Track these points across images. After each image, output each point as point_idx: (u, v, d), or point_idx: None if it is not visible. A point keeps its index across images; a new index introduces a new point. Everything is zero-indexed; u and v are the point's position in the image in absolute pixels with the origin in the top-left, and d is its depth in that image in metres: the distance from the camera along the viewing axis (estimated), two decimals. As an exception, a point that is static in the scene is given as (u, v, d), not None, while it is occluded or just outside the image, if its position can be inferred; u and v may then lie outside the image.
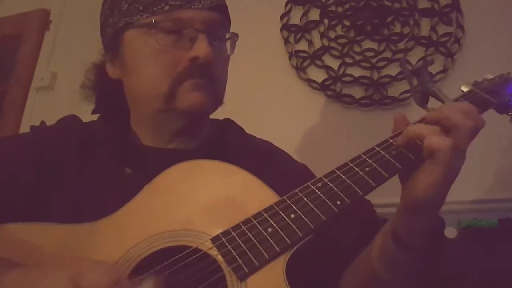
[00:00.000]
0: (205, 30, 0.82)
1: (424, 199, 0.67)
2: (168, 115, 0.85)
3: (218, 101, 0.89)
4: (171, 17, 0.81)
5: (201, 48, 0.80)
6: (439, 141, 0.65)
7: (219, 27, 0.86)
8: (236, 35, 0.89)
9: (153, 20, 0.81)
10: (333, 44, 1.67)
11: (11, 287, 0.55)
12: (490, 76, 0.92)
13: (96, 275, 0.52)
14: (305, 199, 0.68)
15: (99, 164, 0.83)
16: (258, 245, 0.63)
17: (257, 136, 1.01)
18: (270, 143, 1.01)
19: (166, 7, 0.81)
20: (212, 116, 0.93)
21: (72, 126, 0.89)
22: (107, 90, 0.91)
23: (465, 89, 0.87)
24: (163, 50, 0.82)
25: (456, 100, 0.83)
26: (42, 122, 0.91)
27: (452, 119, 0.68)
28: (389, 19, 1.62)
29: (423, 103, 0.85)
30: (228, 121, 0.99)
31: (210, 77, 0.83)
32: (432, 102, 0.84)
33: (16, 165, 0.79)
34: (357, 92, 1.61)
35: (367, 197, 0.72)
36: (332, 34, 1.69)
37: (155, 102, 0.84)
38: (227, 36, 0.88)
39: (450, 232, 1.27)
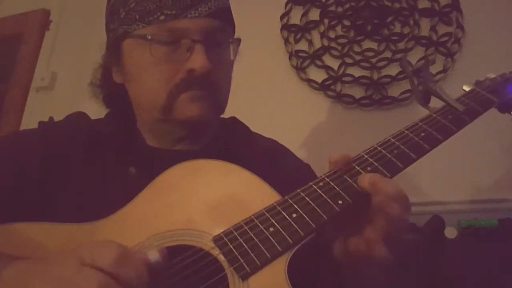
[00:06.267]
0: (202, 40, 0.80)
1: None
2: (168, 125, 0.85)
3: (219, 109, 0.88)
4: (167, 28, 0.80)
5: (198, 60, 0.79)
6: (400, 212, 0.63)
7: (219, 34, 0.84)
8: (239, 40, 0.88)
9: (148, 36, 0.79)
10: (333, 44, 1.68)
11: (14, 280, 0.55)
12: (492, 75, 0.92)
13: (103, 251, 0.52)
14: (307, 198, 0.68)
15: (104, 162, 0.83)
16: (260, 245, 0.63)
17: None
18: (276, 141, 1.01)
19: (162, 17, 0.80)
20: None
21: (80, 123, 0.90)
22: (113, 91, 0.91)
23: (467, 88, 0.87)
24: (158, 62, 0.80)
25: (458, 99, 0.83)
26: (51, 118, 0.91)
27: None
28: (389, 19, 1.63)
29: (424, 102, 0.85)
30: (233, 120, 0.99)
31: (209, 87, 0.81)
32: (434, 102, 0.85)
33: (24, 162, 0.80)
34: (357, 92, 1.61)
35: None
36: (332, 34, 1.69)
37: (154, 112, 0.83)
38: (230, 41, 0.86)
39: (450, 232, 1.28)
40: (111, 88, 0.91)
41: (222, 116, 0.93)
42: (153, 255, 0.56)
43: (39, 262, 0.55)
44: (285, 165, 0.92)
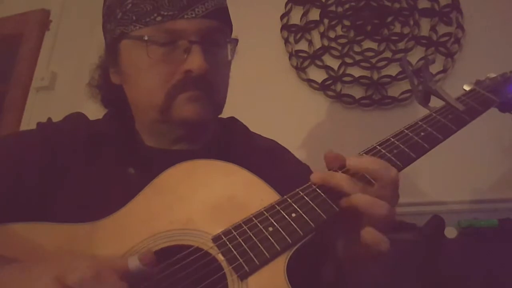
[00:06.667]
0: (199, 40, 0.79)
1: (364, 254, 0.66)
2: (167, 125, 0.84)
3: (217, 109, 0.87)
4: (164, 29, 0.79)
5: (195, 61, 0.78)
6: (361, 198, 0.64)
7: (216, 34, 0.83)
8: (236, 40, 0.87)
9: (145, 37, 0.79)
10: (333, 44, 1.68)
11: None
12: (492, 75, 0.92)
13: (80, 271, 0.52)
14: (306, 198, 0.68)
15: (103, 163, 0.83)
16: (259, 244, 0.63)
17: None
18: (275, 141, 1.01)
19: (159, 18, 0.79)
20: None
21: (78, 123, 0.89)
22: (111, 92, 0.91)
23: (467, 88, 0.87)
24: (156, 63, 0.80)
25: (458, 99, 0.83)
26: (49, 119, 0.91)
27: (375, 170, 0.66)
28: (389, 19, 1.63)
29: (424, 102, 0.85)
30: (232, 120, 0.99)
31: (206, 87, 0.81)
32: (434, 101, 0.84)
33: (22, 164, 0.79)
34: (357, 92, 1.61)
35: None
36: (332, 34, 1.69)
37: (152, 113, 0.83)
38: (227, 41, 0.86)
39: (450, 232, 1.28)
40: (109, 89, 0.90)
41: (221, 116, 0.93)
42: (132, 263, 0.56)
43: (24, 270, 0.56)
44: (284, 165, 0.92)
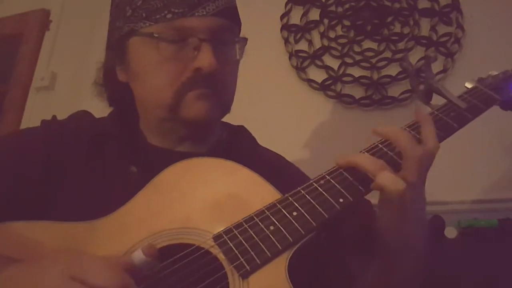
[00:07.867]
0: (209, 39, 0.79)
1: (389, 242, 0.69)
2: (173, 124, 0.84)
3: (225, 108, 0.87)
4: (174, 26, 0.79)
5: (205, 58, 0.78)
6: (387, 178, 0.66)
7: (226, 33, 0.83)
8: (245, 39, 0.87)
9: (155, 34, 0.79)
10: (333, 44, 1.67)
11: (8, 284, 0.55)
12: (494, 73, 0.92)
13: (98, 270, 0.53)
14: (307, 196, 0.68)
15: (106, 161, 0.82)
16: (260, 243, 0.63)
17: (257, 136, 1.00)
18: (282, 156, 1.00)
19: (169, 15, 0.79)
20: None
21: (83, 122, 0.89)
22: (117, 90, 0.90)
23: (469, 85, 0.86)
24: (165, 61, 0.80)
25: (460, 96, 0.83)
26: (54, 117, 0.91)
27: (402, 143, 0.71)
28: (389, 19, 1.63)
29: (426, 100, 0.85)
30: (242, 129, 0.98)
31: (216, 86, 0.81)
32: (435, 99, 0.84)
33: (25, 162, 0.79)
34: (357, 92, 1.61)
35: (367, 197, 0.72)
36: (332, 34, 1.69)
37: (160, 111, 0.83)
38: (236, 40, 0.86)
39: (450, 232, 1.28)
40: (115, 86, 0.90)
41: (228, 117, 0.92)
42: (137, 256, 0.56)
43: (32, 268, 0.56)
44: (288, 177, 0.90)
